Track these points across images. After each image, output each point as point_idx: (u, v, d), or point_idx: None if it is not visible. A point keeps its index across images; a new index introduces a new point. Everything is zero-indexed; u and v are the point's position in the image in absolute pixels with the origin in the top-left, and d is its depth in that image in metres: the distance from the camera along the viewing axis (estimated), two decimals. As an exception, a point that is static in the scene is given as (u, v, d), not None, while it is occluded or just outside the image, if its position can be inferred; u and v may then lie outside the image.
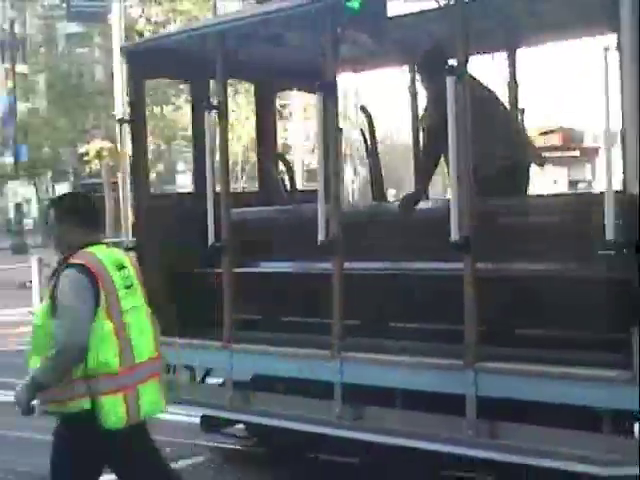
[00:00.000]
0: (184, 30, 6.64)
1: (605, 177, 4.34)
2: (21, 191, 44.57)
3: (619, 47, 4.33)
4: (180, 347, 6.37)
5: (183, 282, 6.60)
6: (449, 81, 4.93)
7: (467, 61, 5.06)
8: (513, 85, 6.89)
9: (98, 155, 32.31)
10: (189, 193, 7.55)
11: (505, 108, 6.36)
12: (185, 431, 7.22)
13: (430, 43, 6.26)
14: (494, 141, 5.82)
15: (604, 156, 4.42)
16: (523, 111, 6.92)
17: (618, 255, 4.37)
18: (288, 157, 18.22)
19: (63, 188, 42.46)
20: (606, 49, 4.34)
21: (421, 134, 6.41)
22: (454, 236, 4.86)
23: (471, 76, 6.48)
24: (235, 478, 6.45)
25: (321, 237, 5.41)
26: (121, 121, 6.55)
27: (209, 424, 6.73)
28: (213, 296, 6.19)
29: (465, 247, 4.90)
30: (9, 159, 41.70)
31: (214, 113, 5.96)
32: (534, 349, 4.96)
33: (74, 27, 40.09)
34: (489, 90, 6.15)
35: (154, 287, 6.55)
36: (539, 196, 5.32)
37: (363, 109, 7.12)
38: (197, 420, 6.84)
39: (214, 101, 6.10)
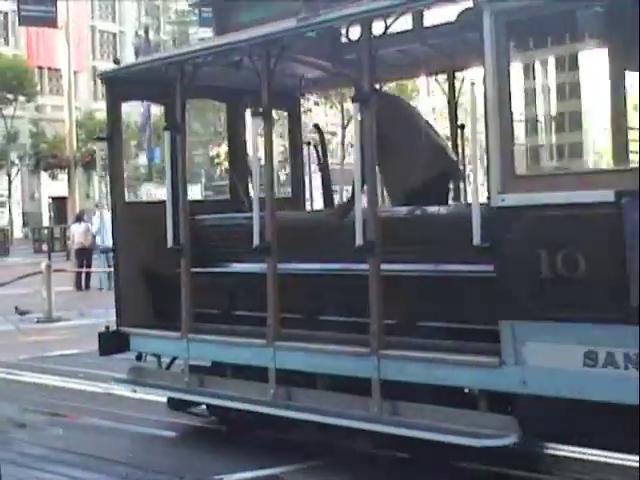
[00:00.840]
0: (153, 59, 7.48)
1: (471, 192, 5.10)
2: (157, 192, 45.71)
3: (484, 81, 5.08)
4: (148, 337, 7.26)
5: (153, 280, 7.48)
6: (354, 107, 5.72)
7: (374, 90, 5.82)
8: (453, 104, 7.67)
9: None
10: (160, 202, 8.42)
11: (429, 124, 7.11)
12: (156, 409, 8.02)
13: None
14: (419, 154, 6.60)
15: (472, 174, 5.17)
16: (463, 126, 7.67)
17: (486, 257, 5.16)
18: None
19: (196, 190, 44.18)
20: (472, 83, 5.09)
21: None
22: (359, 241, 5.65)
23: (397, 98, 7.31)
24: (197, 451, 6.99)
25: (256, 242, 6.25)
26: (98, 139, 7.44)
27: (176, 404, 7.57)
28: (177, 293, 7.06)
29: (370, 251, 5.69)
30: (144, 162, 43.62)
31: (173, 133, 6.84)
32: (430, 339, 5.73)
33: (207, 32, 41.34)
34: (413, 108, 6.93)
35: (129, 284, 7.53)
36: (429, 206, 6.04)
37: (316, 127, 7.95)
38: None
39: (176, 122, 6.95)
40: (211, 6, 7.27)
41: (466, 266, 5.48)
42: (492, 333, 5.26)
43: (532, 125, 6.11)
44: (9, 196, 39.18)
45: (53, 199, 51.52)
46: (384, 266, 5.71)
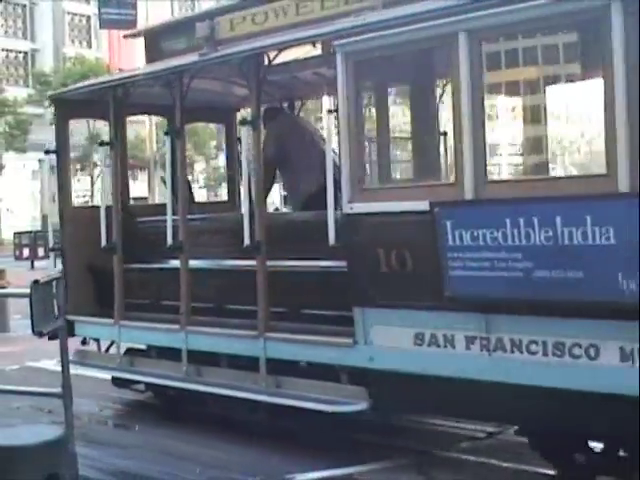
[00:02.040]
0: (92, 83, 8.60)
1: (328, 200, 6.17)
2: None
3: (338, 110, 6.14)
4: (88, 324, 8.38)
5: (94, 275, 8.59)
6: (243, 130, 6.79)
7: (259, 115, 6.88)
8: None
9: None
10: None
11: (323, 139, 8.15)
12: (104, 386, 9.10)
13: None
14: (313, 166, 7.67)
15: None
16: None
17: (341, 255, 6.23)
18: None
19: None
20: (329, 111, 6.16)
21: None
22: (246, 241, 6.74)
23: (296, 117, 8.39)
24: (266, 449, 7.07)
25: (169, 241, 7.35)
26: (47, 152, 8.55)
27: (118, 381, 8.66)
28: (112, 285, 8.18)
29: (257, 249, 6.77)
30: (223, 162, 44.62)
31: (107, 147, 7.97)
32: (307, 324, 6.80)
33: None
34: (310, 126, 8.01)
35: (75, 278, 8.63)
36: (300, 212, 7.12)
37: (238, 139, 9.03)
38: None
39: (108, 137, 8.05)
40: (143, 37, 8.35)
41: (327, 262, 6.55)
42: (351, 318, 6.34)
43: (376, 146, 7.03)
44: (91, 196, 39.91)
45: (134, 199, 51.92)
46: (269, 262, 6.82)
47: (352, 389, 6.43)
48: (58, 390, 5.30)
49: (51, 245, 8.65)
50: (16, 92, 43.58)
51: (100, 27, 36.77)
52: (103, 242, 7.98)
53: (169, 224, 7.35)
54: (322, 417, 6.55)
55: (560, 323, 5.25)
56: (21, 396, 8.15)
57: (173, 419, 7.98)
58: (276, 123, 7.88)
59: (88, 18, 52.38)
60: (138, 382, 8.64)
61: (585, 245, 5.00)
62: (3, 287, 14.00)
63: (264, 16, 6.62)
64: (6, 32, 49.22)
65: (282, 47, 6.47)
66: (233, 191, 9.68)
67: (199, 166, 44.73)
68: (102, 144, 7.92)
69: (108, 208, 8.06)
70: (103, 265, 8.52)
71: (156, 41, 8.22)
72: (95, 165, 38.67)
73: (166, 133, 7.49)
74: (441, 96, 5.87)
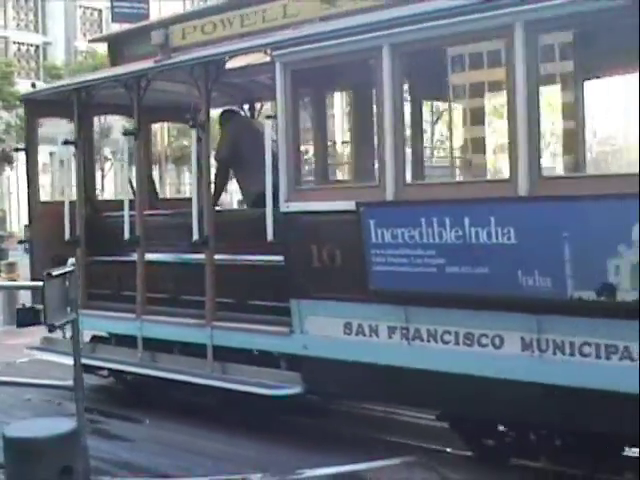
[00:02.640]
0: (59, 85, 9.08)
1: (267, 200, 6.65)
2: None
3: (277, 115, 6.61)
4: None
5: (60, 265, 9.04)
6: (193, 132, 7.25)
7: (208, 117, 7.33)
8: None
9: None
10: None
11: (275, 141, 8.62)
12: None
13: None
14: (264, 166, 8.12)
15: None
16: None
17: (279, 250, 6.71)
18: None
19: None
20: (267, 117, 6.63)
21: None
22: (195, 236, 7.21)
23: (249, 120, 8.84)
24: (278, 444, 7.13)
25: (127, 235, 7.82)
26: (17, 149, 9.00)
27: (85, 367, 9.11)
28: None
29: (205, 244, 7.25)
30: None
31: (72, 147, 8.43)
32: (252, 314, 7.27)
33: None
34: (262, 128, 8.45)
35: (42, 268, 9.06)
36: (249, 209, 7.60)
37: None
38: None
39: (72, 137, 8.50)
40: (106, 42, 8.81)
41: (268, 257, 7.02)
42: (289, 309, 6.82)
43: (312, 149, 7.43)
44: (102, 190, 40.09)
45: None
46: (217, 256, 7.30)
47: (289, 374, 6.92)
48: (69, 383, 5.55)
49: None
50: (27, 85, 43.78)
51: (112, 21, 36.60)
52: (67, 235, 8.43)
53: (126, 219, 7.81)
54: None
55: (470, 315, 5.74)
56: (32, 388, 8.37)
57: (184, 413, 8.03)
58: (231, 125, 8.34)
59: (100, 11, 52.29)
60: (102, 368, 9.13)
61: (489, 244, 5.48)
62: (13, 280, 14.46)
63: (213, 26, 7.09)
64: (18, 25, 49.18)
65: (227, 56, 6.93)
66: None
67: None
68: (66, 143, 8.38)
69: (72, 203, 8.52)
70: (66, 255, 8.98)
71: (119, 47, 8.69)
72: (106, 159, 38.77)
73: (124, 133, 7.96)
74: (369, 104, 6.35)
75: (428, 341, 6.02)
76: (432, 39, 5.81)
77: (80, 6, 52.06)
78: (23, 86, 41.97)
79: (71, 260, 5.14)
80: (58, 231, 8.94)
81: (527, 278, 5.37)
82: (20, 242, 9.00)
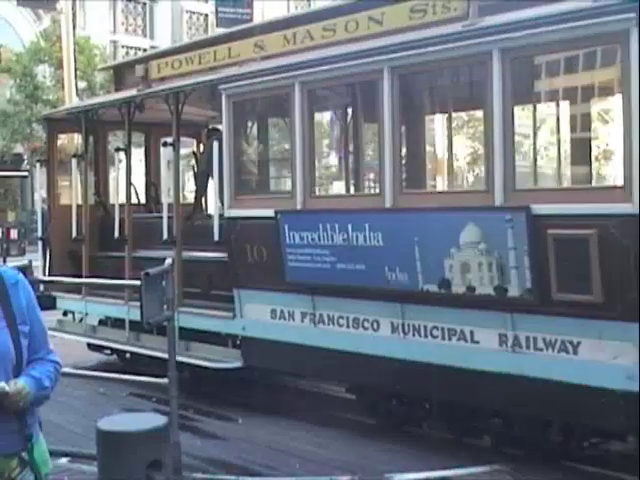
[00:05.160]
0: (72, 107, 10.75)
1: (215, 207, 8.10)
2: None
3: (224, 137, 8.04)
4: (64, 299, 10.48)
5: (73, 259, 10.68)
6: (163, 151, 8.75)
7: (179, 137, 8.81)
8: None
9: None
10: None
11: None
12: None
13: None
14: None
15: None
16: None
17: (223, 248, 8.15)
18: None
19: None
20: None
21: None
22: (165, 236, 8.71)
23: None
24: (367, 448, 7.19)
25: (116, 234, 9.39)
26: (40, 161, 10.69)
27: (92, 346, 10.72)
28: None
29: (174, 242, 8.75)
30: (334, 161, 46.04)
31: (78, 159, 10.06)
32: (214, 301, 8.72)
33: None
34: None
35: (57, 261, 10.72)
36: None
37: (194, 153, 11.03)
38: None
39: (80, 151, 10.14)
40: (112, 70, 10.42)
41: (216, 254, 8.47)
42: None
43: (248, 166, 8.50)
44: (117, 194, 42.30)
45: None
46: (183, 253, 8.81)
47: (232, 352, 8.36)
48: (164, 381, 6.01)
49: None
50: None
51: (217, 26, 36.80)
52: (74, 234, 10.05)
53: (116, 221, 9.38)
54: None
55: (355, 304, 7.08)
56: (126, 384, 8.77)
57: (276, 413, 8.27)
58: (213, 140, 9.80)
59: (206, 16, 53.40)
60: (107, 347, 10.72)
61: (365, 246, 6.81)
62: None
63: (179, 63, 8.60)
64: (127, 29, 51.08)
65: (185, 89, 8.43)
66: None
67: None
68: (74, 156, 10.01)
69: (80, 207, 10.14)
70: (78, 251, 10.60)
71: (121, 74, 10.29)
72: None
73: (117, 150, 9.53)
74: (287, 132, 7.75)
75: (329, 324, 7.37)
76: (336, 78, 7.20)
77: (187, 11, 53.54)
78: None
79: (168, 260, 5.86)
80: (70, 230, 10.55)
81: (392, 273, 6.68)
82: (40, 239, 10.65)
